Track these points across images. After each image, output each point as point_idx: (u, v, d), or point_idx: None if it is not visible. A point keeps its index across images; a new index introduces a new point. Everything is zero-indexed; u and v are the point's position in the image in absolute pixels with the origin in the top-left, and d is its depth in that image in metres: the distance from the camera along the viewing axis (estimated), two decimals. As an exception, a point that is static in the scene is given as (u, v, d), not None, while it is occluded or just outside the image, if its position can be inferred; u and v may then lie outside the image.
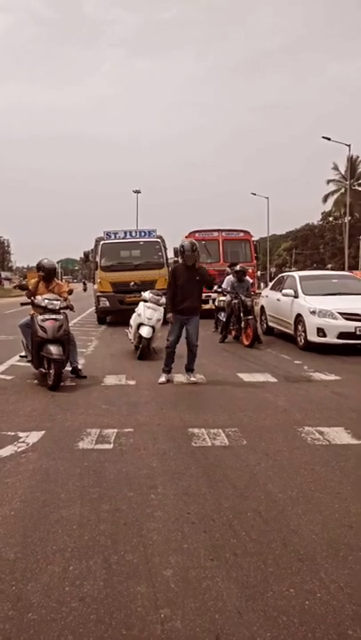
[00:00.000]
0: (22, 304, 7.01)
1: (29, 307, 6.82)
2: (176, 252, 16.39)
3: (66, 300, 6.81)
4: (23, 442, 4.26)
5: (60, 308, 6.58)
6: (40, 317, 6.43)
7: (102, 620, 2.07)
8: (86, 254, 17.34)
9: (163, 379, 6.63)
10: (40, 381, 6.64)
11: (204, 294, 13.20)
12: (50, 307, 6.52)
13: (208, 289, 6.88)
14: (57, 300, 6.62)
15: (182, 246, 6.73)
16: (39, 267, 6.91)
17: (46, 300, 6.57)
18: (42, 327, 6.35)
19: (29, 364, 6.94)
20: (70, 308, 6.83)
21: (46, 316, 6.43)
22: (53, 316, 6.45)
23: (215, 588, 2.26)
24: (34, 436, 4.39)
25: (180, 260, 6.89)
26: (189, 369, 6.78)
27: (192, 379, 6.67)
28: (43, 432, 4.51)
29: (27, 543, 2.66)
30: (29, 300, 6.73)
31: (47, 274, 6.88)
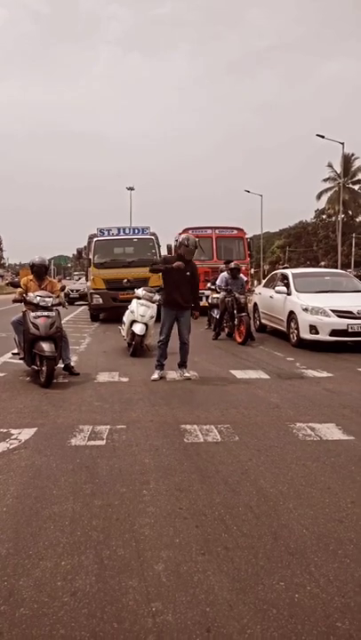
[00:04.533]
0: (14, 301, 6.98)
1: (22, 304, 6.80)
2: (170, 250, 16.41)
3: (58, 297, 6.80)
4: (15, 439, 4.26)
5: (53, 305, 6.57)
6: (32, 314, 6.41)
7: (94, 614, 2.08)
8: (79, 251, 17.31)
9: (155, 375, 6.64)
10: (32, 378, 6.63)
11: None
12: (42, 304, 6.49)
13: (192, 287, 6.81)
14: (49, 297, 6.60)
15: (187, 239, 6.68)
16: (32, 266, 6.93)
17: (38, 297, 6.54)
18: (34, 324, 6.32)
19: (22, 362, 6.93)
20: (63, 304, 6.83)
21: (38, 313, 6.41)
22: (46, 313, 6.42)
23: (206, 581, 2.28)
24: (26, 433, 4.39)
25: (176, 253, 6.86)
26: (182, 364, 6.81)
27: (185, 374, 6.69)
28: (35, 429, 4.51)
29: (19, 539, 2.67)
30: (21, 298, 6.71)
31: (37, 271, 6.88)
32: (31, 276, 6.95)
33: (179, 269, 6.61)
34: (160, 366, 6.75)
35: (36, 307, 6.48)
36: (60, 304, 6.73)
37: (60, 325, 6.55)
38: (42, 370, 6.30)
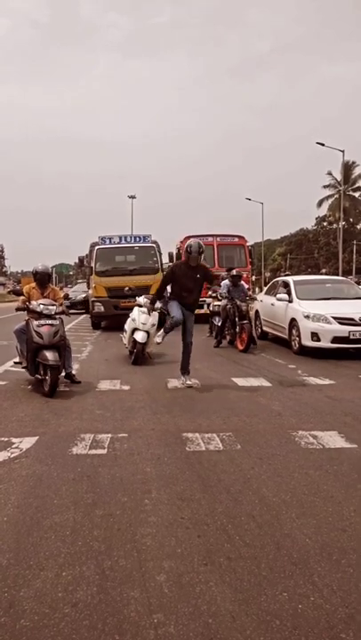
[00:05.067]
0: (18, 309, 6.92)
1: (24, 312, 6.80)
2: (171, 257, 16.45)
3: (61, 305, 6.78)
4: (16, 447, 4.24)
5: (56, 313, 6.52)
6: (36, 323, 6.33)
7: (95, 625, 2.06)
8: (81, 259, 17.38)
9: (161, 333, 7.04)
10: (34, 387, 6.62)
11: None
12: (45, 312, 6.42)
13: (209, 284, 7.18)
14: (52, 306, 6.54)
15: (190, 246, 6.70)
16: (35, 274, 6.90)
17: (41, 306, 6.47)
18: (37, 333, 6.24)
19: (23, 370, 6.90)
20: (66, 313, 6.80)
21: (42, 322, 6.33)
22: (49, 322, 6.35)
23: (209, 592, 2.26)
24: (27, 442, 4.37)
25: (179, 259, 6.96)
26: (184, 371, 6.79)
27: (187, 382, 6.67)
28: (36, 438, 4.50)
29: (19, 549, 2.65)
30: (24, 306, 6.67)
31: (40, 278, 6.82)
32: (34, 284, 6.92)
33: (185, 274, 6.66)
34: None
35: (40, 315, 6.41)
36: (63, 312, 6.69)
37: (63, 334, 6.51)
38: (45, 379, 6.21)
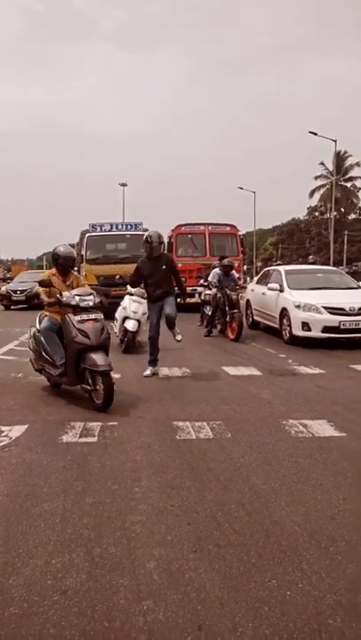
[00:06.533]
0: (49, 305, 5.50)
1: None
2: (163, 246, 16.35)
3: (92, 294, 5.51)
4: (6, 436, 4.22)
5: (95, 305, 5.30)
6: (76, 318, 5.06)
7: (84, 612, 2.06)
8: (72, 247, 17.22)
9: (148, 371, 6.62)
10: (25, 375, 6.56)
11: (189, 288, 13.24)
12: (82, 304, 5.16)
13: (174, 275, 6.86)
14: (89, 296, 5.27)
15: (149, 236, 6.67)
16: (55, 256, 5.61)
17: (77, 297, 5.19)
18: (81, 331, 4.99)
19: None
20: (103, 303, 5.69)
21: (84, 317, 5.09)
22: (92, 316, 5.14)
23: (198, 579, 2.27)
24: (17, 430, 4.35)
25: (146, 252, 6.84)
26: (171, 327, 6.75)
27: (177, 337, 6.74)
28: (26, 426, 4.47)
29: (8, 537, 2.64)
30: (55, 300, 5.31)
31: (63, 264, 5.59)
32: (54, 270, 5.66)
33: (150, 268, 6.68)
34: (153, 362, 6.73)
35: (75, 309, 5.18)
36: (101, 304, 5.49)
37: (108, 330, 5.40)
38: (96, 389, 4.94)
